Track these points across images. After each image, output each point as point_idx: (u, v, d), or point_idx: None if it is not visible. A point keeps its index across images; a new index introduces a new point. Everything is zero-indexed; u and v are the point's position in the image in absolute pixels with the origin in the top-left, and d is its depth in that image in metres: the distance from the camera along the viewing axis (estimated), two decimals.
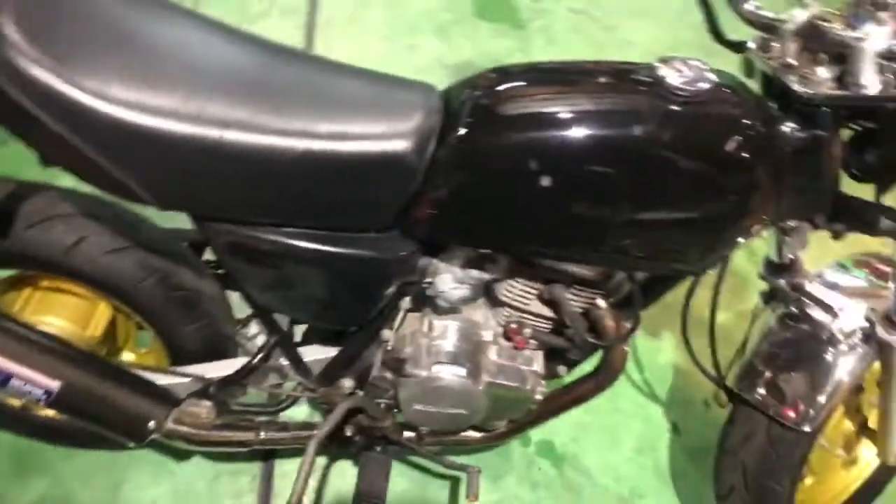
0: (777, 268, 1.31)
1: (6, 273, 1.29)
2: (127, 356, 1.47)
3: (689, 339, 1.33)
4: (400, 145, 0.96)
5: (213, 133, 0.90)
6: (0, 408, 1.45)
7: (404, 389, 1.20)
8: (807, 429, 1.25)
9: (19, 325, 1.07)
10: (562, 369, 1.34)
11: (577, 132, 0.95)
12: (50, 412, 1.45)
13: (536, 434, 1.73)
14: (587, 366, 1.34)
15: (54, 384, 1.06)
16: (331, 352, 1.26)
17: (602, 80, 0.99)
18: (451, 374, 1.17)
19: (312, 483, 1.58)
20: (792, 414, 1.27)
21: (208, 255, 1.37)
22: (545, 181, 0.96)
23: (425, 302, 1.20)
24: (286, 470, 1.62)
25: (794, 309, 1.31)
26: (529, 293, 1.16)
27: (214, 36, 0.99)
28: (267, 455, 1.63)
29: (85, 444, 1.55)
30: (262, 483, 1.59)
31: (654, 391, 1.84)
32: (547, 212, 1.00)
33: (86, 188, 1.00)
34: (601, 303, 1.19)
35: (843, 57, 0.93)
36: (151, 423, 1.14)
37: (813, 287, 1.30)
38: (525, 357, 1.23)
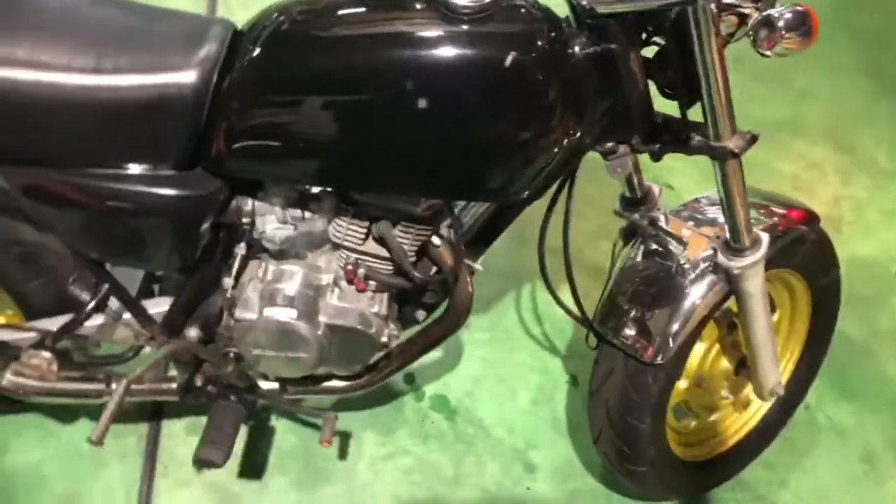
0: (632, 203, 1.30)
1: None
2: None
3: (550, 280, 1.33)
4: (183, 76, 0.96)
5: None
6: None
7: (238, 334, 1.19)
8: (659, 360, 1.24)
9: None
10: (420, 314, 1.33)
11: (357, 55, 0.94)
12: None
13: (430, 388, 1.73)
14: None
15: None
16: (158, 302, 1.25)
17: (391, 3, 0.97)
18: (283, 316, 1.16)
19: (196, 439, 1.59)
20: (646, 348, 1.26)
21: None
22: (327, 107, 0.95)
23: (260, 248, 1.19)
24: (174, 430, 1.62)
25: (651, 244, 1.30)
26: (358, 232, 1.15)
27: None
28: (154, 415, 1.64)
29: None
30: (148, 444, 1.60)
31: (553, 344, 1.83)
32: (348, 141, 0.99)
33: None
34: (435, 240, 1.18)
35: None
36: None
37: (665, 220, 1.28)
38: (367, 299, 1.22)
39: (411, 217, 1.13)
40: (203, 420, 1.61)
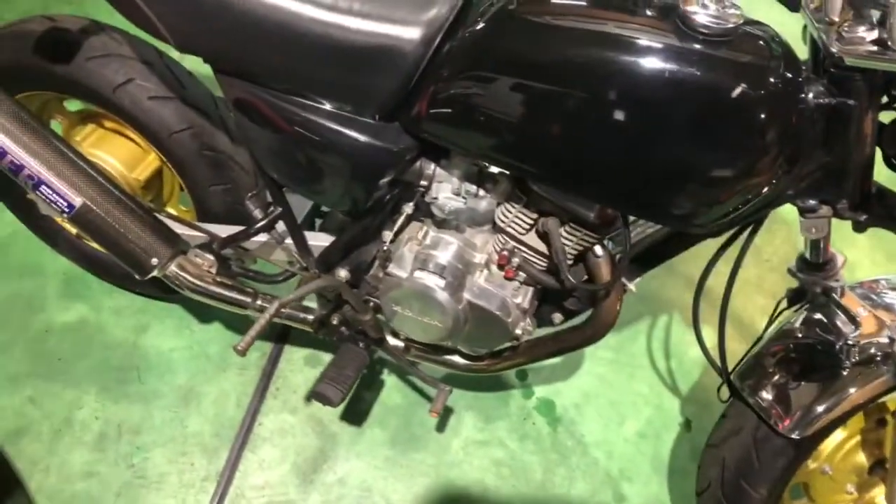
0: (810, 266, 1.22)
1: (79, 107, 1.44)
2: (169, 210, 1.59)
3: (700, 323, 1.27)
4: (408, 32, 0.98)
5: None
6: (57, 231, 1.62)
7: (385, 287, 1.22)
8: (794, 436, 1.17)
9: (64, 143, 1.18)
10: (556, 317, 1.31)
11: (588, 54, 0.91)
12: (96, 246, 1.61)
13: (540, 390, 1.71)
14: None
15: (77, 200, 1.17)
16: (324, 236, 1.30)
17: (627, 6, 0.95)
18: (430, 282, 1.18)
19: (315, 373, 1.66)
20: (783, 418, 1.18)
21: None
22: (533, 94, 0.94)
23: (427, 212, 1.21)
24: (294, 357, 1.70)
25: (818, 314, 1.22)
26: (524, 222, 1.15)
27: None
28: (279, 339, 1.72)
29: (127, 284, 1.70)
30: (268, 362, 1.68)
31: (676, 382, 1.76)
32: (542, 131, 0.97)
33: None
34: (598, 249, 1.16)
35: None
36: (154, 260, 1.23)
37: (842, 293, 1.20)
38: (513, 288, 1.22)
39: (582, 221, 1.10)
40: (322, 356, 1.70)
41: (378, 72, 1.00)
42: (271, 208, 1.25)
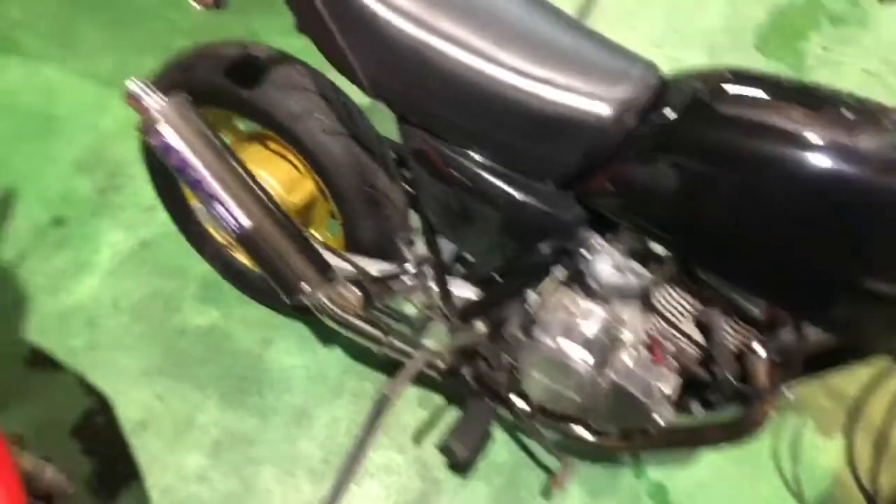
0: None
1: (249, 127, 1.50)
2: (315, 234, 1.63)
3: (854, 439, 1.19)
4: (601, 108, 0.96)
5: (437, 43, 0.97)
6: (206, 239, 1.69)
7: (528, 352, 1.21)
8: None
9: (241, 166, 1.23)
10: (696, 408, 1.26)
11: (794, 159, 0.87)
12: (242, 258, 1.67)
13: (654, 472, 1.64)
14: None
15: (247, 222, 1.21)
16: (477, 292, 1.30)
17: (847, 113, 0.90)
18: (577, 354, 1.16)
19: (425, 414, 1.65)
20: None
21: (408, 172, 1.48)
22: (738, 195, 0.91)
23: (579, 279, 1.19)
24: (408, 396, 1.70)
25: None
26: (685, 309, 1.11)
27: None
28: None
29: (258, 297, 1.75)
30: (381, 395, 1.69)
31: (802, 489, 1.65)
32: (725, 225, 0.94)
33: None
34: (760, 349, 1.10)
35: None
36: (305, 286, 1.26)
37: None
38: (658, 373, 1.18)
39: (748, 317, 1.06)
40: (434, 398, 1.69)
41: (566, 143, 1.00)
42: (423, 253, 1.26)
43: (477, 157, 1.06)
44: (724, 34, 2.35)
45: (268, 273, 1.27)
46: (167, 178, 1.58)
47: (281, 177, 1.46)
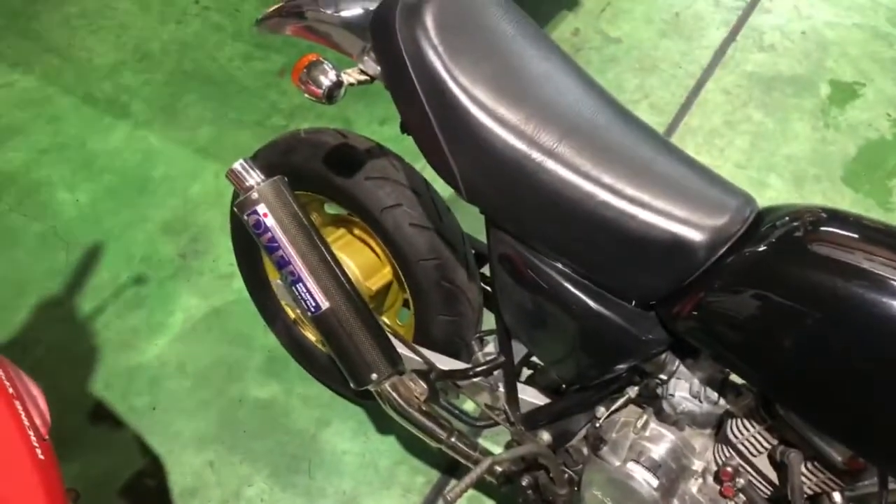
0: None
1: (336, 211, 1.55)
2: (384, 320, 1.66)
3: None
4: (694, 234, 0.97)
5: (536, 156, 1.00)
6: (278, 313, 1.73)
7: (591, 470, 1.18)
8: None
9: (328, 249, 1.27)
10: None
11: (881, 304, 0.86)
12: (311, 336, 1.70)
13: None
14: None
15: (325, 303, 1.24)
16: (544, 400, 1.29)
17: None
18: (642, 478, 1.12)
19: None
20: None
21: (486, 270, 1.50)
22: (825, 337, 0.89)
23: (651, 400, 1.17)
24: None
25: None
26: (761, 445, 1.07)
27: (578, 82, 1.10)
28: (449, 469, 1.70)
29: (321, 377, 1.77)
30: (432, 491, 1.66)
31: None
32: (808, 365, 0.92)
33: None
34: (837, 497, 1.05)
35: None
36: (374, 375, 1.27)
37: None
38: None
39: (827, 463, 1.01)
40: (486, 500, 1.65)
41: (655, 265, 1.00)
42: (494, 354, 1.26)
43: (563, 268, 1.07)
44: (812, 164, 2.35)
45: (337, 356, 1.29)
46: (250, 251, 1.63)
47: (361, 262, 1.50)
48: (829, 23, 2.86)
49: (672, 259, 0.99)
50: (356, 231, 1.54)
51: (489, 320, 1.35)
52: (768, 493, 1.10)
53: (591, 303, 1.07)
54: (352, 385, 1.31)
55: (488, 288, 1.49)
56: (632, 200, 0.99)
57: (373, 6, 1.20)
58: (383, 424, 1.75)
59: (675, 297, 1.02)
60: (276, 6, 1.32)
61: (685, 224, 0.98)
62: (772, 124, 2.43)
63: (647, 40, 2.72)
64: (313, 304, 1.26)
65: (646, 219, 0.99)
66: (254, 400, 1.77)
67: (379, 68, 1.14)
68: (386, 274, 1.52)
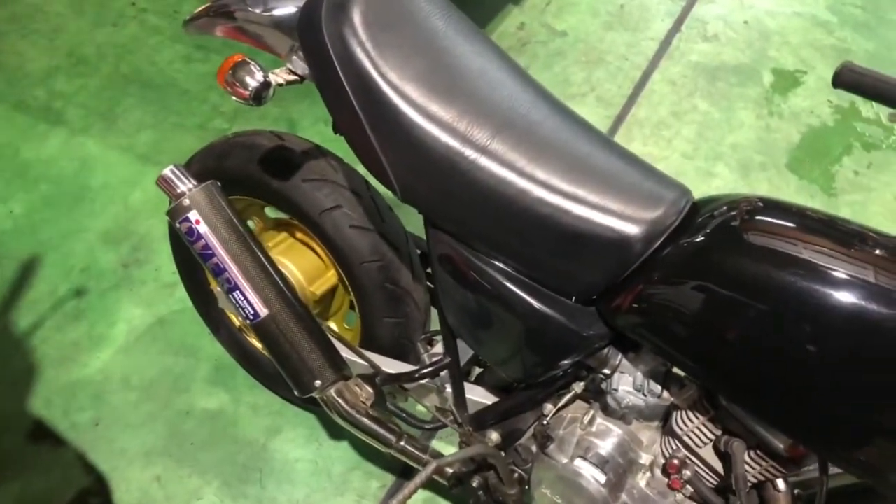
0: None
1: (277, 215, 1.52)
2: (331, 325, 1.62)
3: None
4: (629, 227, 0.96)
5: (470, 153, 0.99)
6: (221, 321, 1.68)
7: (539, 468, 1.17)
8: None
9: (265, 255, 1.24)
10: None
11: (818, 293, 0.86)
12: (257, 343, 1.66)
13: None
14: None
15: (264, 310, 1.20)
16: (492, 399, 1.28)
17: (874, 250, 0.89)
18: (590, 475, 1.11)
19: None
20: None
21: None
22: (761, 327, 0.89)
23: (597, 396, 1.16)
24: (414, 498, 1.64)
25: None
26: (705, 436, 1.07)
27: (512, 77, 1.08)
28: (403, 473, 1.68)
29: (269, 384, 1.73)
30: (387, 495, 1.64)
31: None
32: (748, 356, 0.92)
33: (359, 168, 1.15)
34: (781, 484, 1.05)
35: None
36: (318, 382, 1.24)
37: None
38: (674, 499, 1.13)
39: (770, 451, 1.02)
40: (441, 501, 1.63)
41: (593, 260, 0.99)
42: (441, 355, 1.24)
43: (503, 266, 1.06)
44: (757, 152, 2.38)
45: (280, 364, 1.25)
46: (190, 259, 1.59)
47: (304, 266, 1.47)
48: (771, 12, 2.91)
49: (608, 253, 0.98)
50: (298, 234, 1.50)
51: (436, 320, 1.34)
52: (714, 482, 1.10)
53: (531, 300, 1.05)
54: (296, 393, 1.28)
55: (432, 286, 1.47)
56: (566, 195, 0.98)
57: (299, 3, 1.17)
58: (335, 430, 1.72)
59: (614, 292, 1.01)
60: (203, 6, 1.28)
61: (620, 217, 0.97)
62: (717, 114, 2.46)
63: (592, 33, 2.73)
64: (251, 311, 1.22)
65: (581, 213, 0.98)
66: (201, 411, 1.73)
67: (308, 67, 1.11)
68: (330, 278, 1.49)
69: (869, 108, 2.50)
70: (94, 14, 2.71)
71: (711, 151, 2.35)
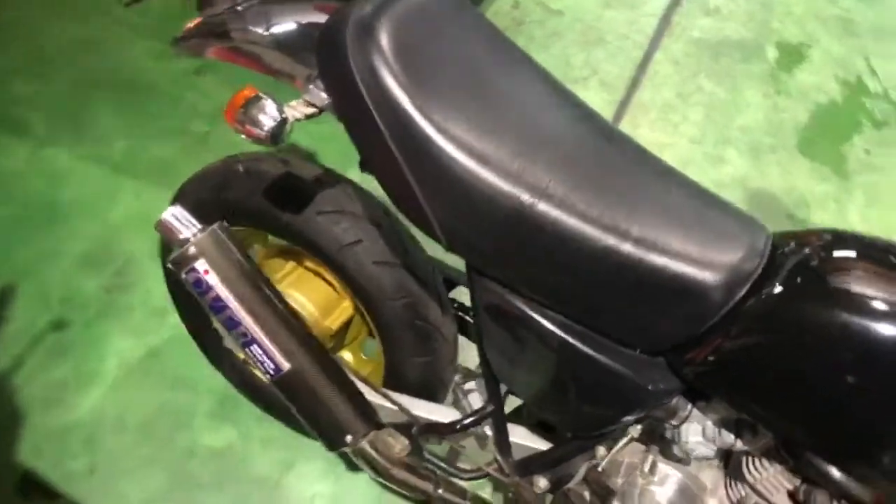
0: None
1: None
2: (346, 355, 1.51)
3: None
4: (710, 277, 0.86)
5: (526, 198, 0.86)
6: (225, 354, 1.56)
7: None
8: None
9: (282, 302, 1.11)
10: None
11: None
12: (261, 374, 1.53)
13: None
14: None
15: (286, 365, 1.08)
16: (536, 441, 1.18)
17: None
18: None
19: None
20: None
21: (455, 293, 1.37)
22: (861, 381, 0.80)
23: (655, 438, 1.08)
24: None
25: None
26: (781, 485, 0.99)
27: (564, 106, 0.96)
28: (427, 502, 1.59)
29: (281, 416, 1.61)
30: None
31: None
32: (844, 414, 0.83)
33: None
34: None
35: None
36: (349, 437, 1.13)
37: None
38: None
39: (853, 500, 0.94)
40: None
41: (669, 312, 0.88)
42: (479, 398, 1.14)
43: (562, 318, 0.95)
44: (766, 134, 2.28)
45: (307, 421, 1.14)
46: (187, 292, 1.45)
47: (317, 300, 1.34)
48: None
49: (687, 305, 0.87)
50: (307, 263, 1.37)
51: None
52: None
53: (594, 354, 0.94)
54: (325, 447, 1.17)
55: (462, 315, 1.36)
56: (637, 242, 0.87)
57: (308, 20, 1.03)
58: (354, 463, 1.61)
59: (690, 344, 0.91)
60: (193, 21, 1.12)
61: (700, 265, 0.86)
62: (723, 93, 2.36)
63: (590, 11, 2.59)
64: (272, 366, 1.10)
65: (655, 261, 0.86)
66: (206, 449, 1.60)
67: (327, 98, 0.97)
68: (346, 308, 1.37)
69: (877, 83, 2.42)
70: (54, 6, 2.48)
71: (720, 135, 2.25)
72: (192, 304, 1.48)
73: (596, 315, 0.94)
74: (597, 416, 1.00)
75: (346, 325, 1.42)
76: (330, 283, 1.35)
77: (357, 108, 0.90)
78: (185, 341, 1.62)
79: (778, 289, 0.85)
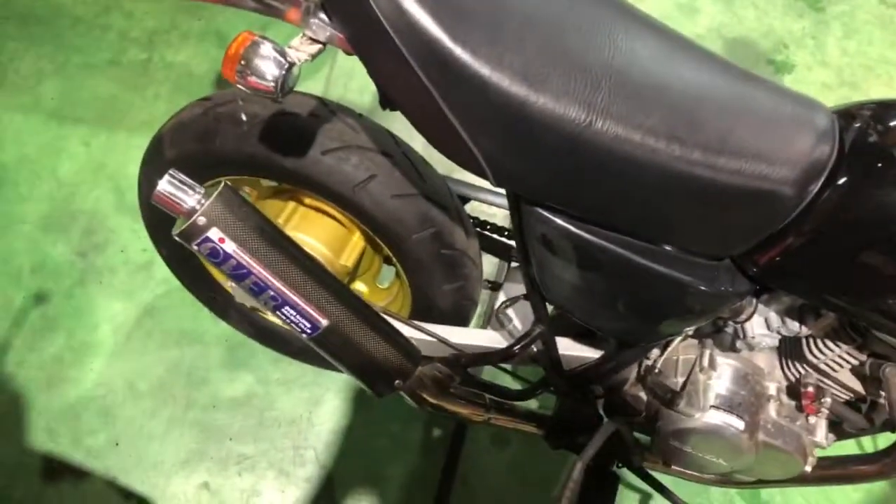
0: None
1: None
2: (361, 286, 1.44)
3: None
4: (784, 174, 0.80)
5: (582, 118, 0.77)
6: (230, 303, 1.47)
7: (668, 424, 1.07)
8: None
9: (306, 256, 1.02)
10: (829, 438, 1.17)
11: None
12: (272, 317, 1.46)
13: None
14: None
15: (323, 321, 1.01)
16: (586, 351, 1.15)
17: None
18: (727, 424, 1.03)
19: (502, 455, 1.53)
20: None
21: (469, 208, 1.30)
22: None
23: (709, 332, 1.06)
24: (478, 436, 1.57)
25: None
26: (848, 362, 0.99)
27: (603, 7, 0.85)
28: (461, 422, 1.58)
29: (297, 355, 1.56)
30: (453, 442, 1.55)
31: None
32: None
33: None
34: None
35: None
36: (398, 382, 1.08)
37: None
38: (808, 424, 1.07)
39: None
40: (509, 434, 1.56)
41: (741, 216, 0.83)
42: (526, 321, 1.10)
43: (623, 237, 0.89)
44: None
45: (351, 372, 1.08)
46: (179, 246, 1.33)
47: (326, 238, 1.25)
48: None
49: (761, 206, 0.82)
50: (306, 200, 1.27)
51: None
52: (855, 402, 1.05)
53: (660, 268, 0.89)
54: (374, 395, 1.12)
55: (480, 230, 1.30)
56: (704, 147, 0.79)
57: None
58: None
59: (762, 246, 0.87)
60: None
61: (772, 162, 0.80)
62: None
63: None
64: (308, 326, 1.02)
65: (724, 165, 0.79)
66: (228, 400, 1.55)
67: (332, 31, 0.83)
68: (357, 242, 1.28)
69: None
70: None
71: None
72: (187, 262, 1.38)
73: (662, 228, 0.88)
74: (666, 326, 0.97)
75: (360, 258, 1.34)
76: (335, 219, 1.26)
77: (378, 40, 0.78)
78: (180, 293, 1.53)
79: (852, 175, 0.80)
